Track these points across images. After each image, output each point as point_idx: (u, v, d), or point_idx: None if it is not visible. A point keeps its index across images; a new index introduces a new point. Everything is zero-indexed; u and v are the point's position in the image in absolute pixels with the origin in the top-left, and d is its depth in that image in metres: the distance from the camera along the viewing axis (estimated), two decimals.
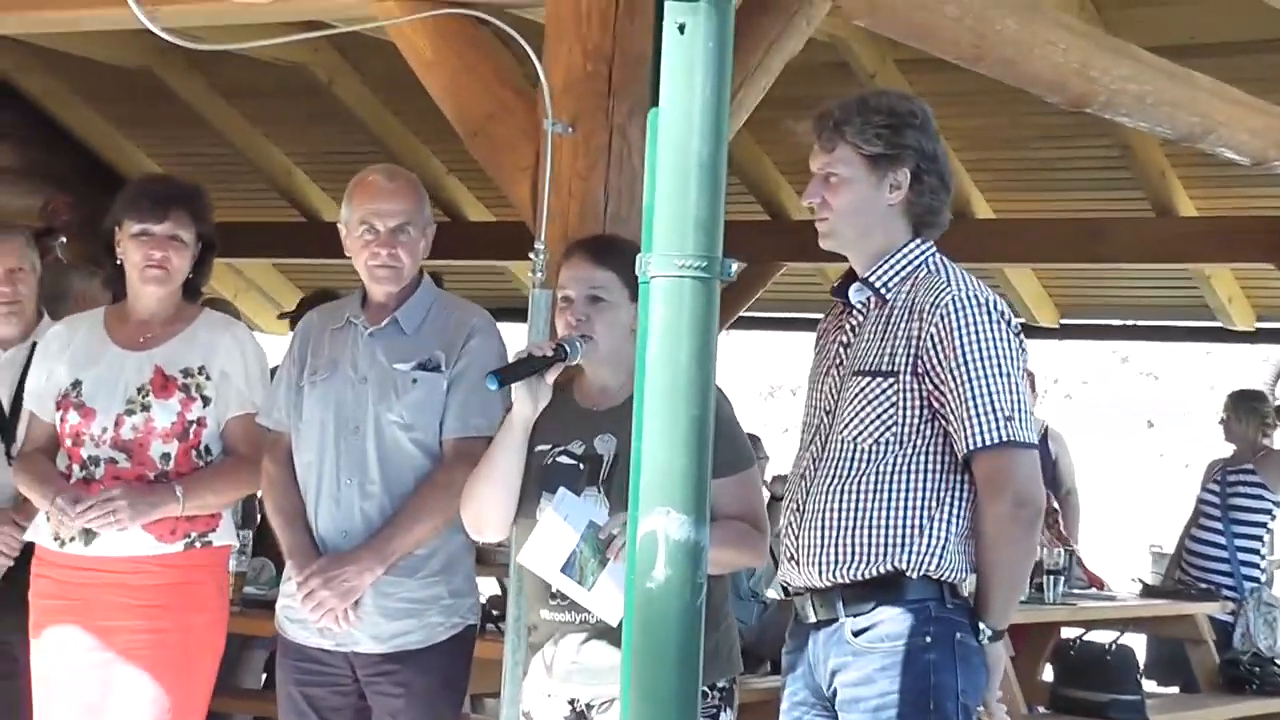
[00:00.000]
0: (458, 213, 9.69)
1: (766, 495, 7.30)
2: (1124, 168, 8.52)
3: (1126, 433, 17.41)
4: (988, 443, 3.50)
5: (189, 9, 4.39)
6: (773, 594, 6.80)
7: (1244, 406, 8.31)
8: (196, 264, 4.55)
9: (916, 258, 3.64)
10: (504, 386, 3.85)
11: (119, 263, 4.53)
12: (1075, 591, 7.47)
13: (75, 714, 4.41)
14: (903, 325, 3.57)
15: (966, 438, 3.51)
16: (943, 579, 3.56)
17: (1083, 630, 7.82)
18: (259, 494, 4.64)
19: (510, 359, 3.94)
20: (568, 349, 3.82)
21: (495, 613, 5.17)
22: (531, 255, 4.15)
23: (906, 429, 3.55)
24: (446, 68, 4.41)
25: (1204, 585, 8.01)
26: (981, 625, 3.58)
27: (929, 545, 3.54)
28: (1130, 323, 10.40)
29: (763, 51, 4.47)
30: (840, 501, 3.58)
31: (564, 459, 3.88)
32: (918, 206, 3.65)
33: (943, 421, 3.55)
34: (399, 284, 4.28)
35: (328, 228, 9.69)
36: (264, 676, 6.91)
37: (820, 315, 11.08)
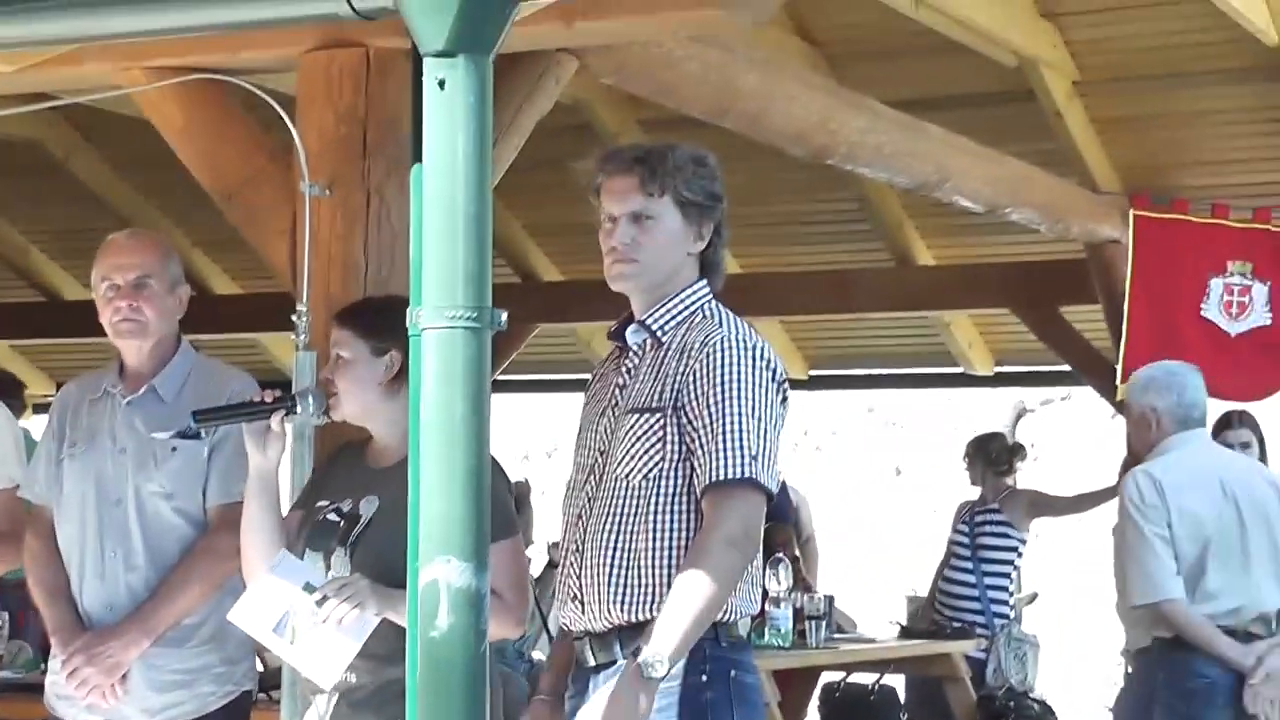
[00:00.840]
0: (204, 286, 9.57)
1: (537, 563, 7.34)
2: (864, 219, 8.76)
3: (875, 481, 17.80)
4: (727, 477, 3.51)
5: None
6: (539, 654, 6.83)
7: (982, 450, 8.58)
8: None
9: (694, 302, 3.69)
10: (200, 425, 3.86)
11: None
12: (836, 636, 7.62)
13: None
14: (673, 364, 3.62)
15: (709, 471, 3.52)
16: (716, 620, 3.59)
17: (845, 673, 7.98)
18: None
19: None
20: (297, 401, 3.84)
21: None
22: (294, 318, 4.14)
23: (670, 465, 3.59)
24: (200, 134, 4.39)
25: (957, 624, 8.22)
26: (646, 651, 3.41)
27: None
28: (877, 372, 10.66)
29: (514, 111, 4.53)
30: (615, 540, 3.61)
31: (332, 516, 3.90)
32: (711, 253, 3.72)
33: (692, 458, 3.58)
34: (144, 339, 4.23)
35: (70, 306, 9.64)
36: None
37: (573, 376, 11.08)
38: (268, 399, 3.83)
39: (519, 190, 7.42)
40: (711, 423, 3.54)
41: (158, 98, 4.36)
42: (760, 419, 3.56)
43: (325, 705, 3.84)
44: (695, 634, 3.47)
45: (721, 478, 3.52)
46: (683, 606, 3.45)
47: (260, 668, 4.46)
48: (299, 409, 3.84)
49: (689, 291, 3.70)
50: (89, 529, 4.17)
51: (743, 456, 3.52)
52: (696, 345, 3.61)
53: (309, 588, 3.74)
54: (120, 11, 3.05)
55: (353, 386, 3.89)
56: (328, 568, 3.83)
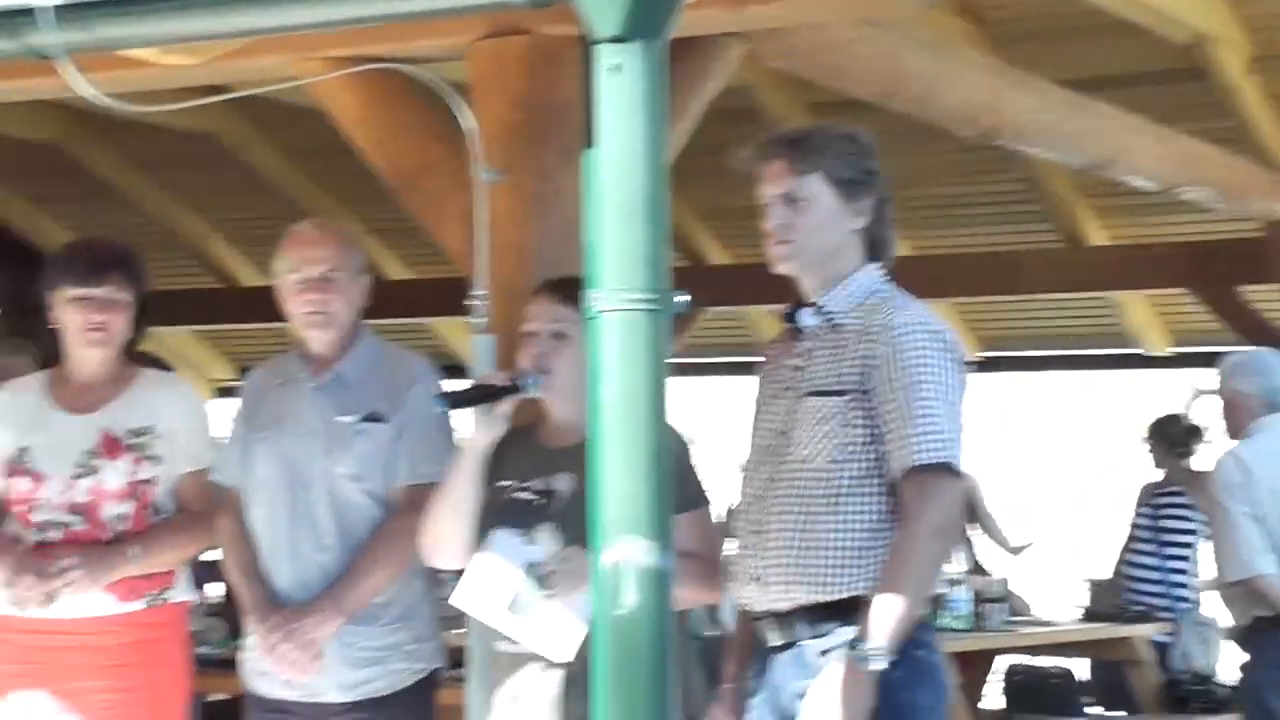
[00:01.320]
0: (377, 272, 9.71)
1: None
2: (1032, 200, 8.67)
3: (1047, 462, 17.58)
4: (921, 462, 3.54)
5: (115, 75, 4.41)
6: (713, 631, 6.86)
7: (1163, 432, 8.46)
8: (134, 325, 4.56)
9: (870, 283, 3.71)
10: (450, 409, 3.91)
11: (51, 329, 4.54)
12: (1015, 619, 7.58)
13: None
14: (853, 347, 3.63)
15: (904, 455, 3.55)
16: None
17: (1026, 656, 7.93)
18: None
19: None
20: (521, 382, 3.88)
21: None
22: (471, 302, 4.20)
23: (856, 449, 3.60)
24: (375, 123, 4.47)
25: (1139, 607, 8.13)
26: (859, 641, 3.48)
27: (879, 567, 3.58)
28: (1048, 353, 10.55)
29: (683, 96, 4.56)
30: (797, 522, 3.62)
31: (522, 495, 3.93)
32: (873, 234, 3.72)
33: (880, 442, 3.60)
34: (331, 330, 4.32)
35: (248, 293, 9.84)
36: None
37: (742, 359, 11.10)
38: (502, 382, 3.88)
39: (686, 175, 7.40)
40: (902, 407, 3.56)
41: (334, 88, 4.44)
42: (950, 402, 3.59)
43: (530, 682, 3.88)
44: (908, 623, 3.52)
45: (918, 463, 3.54)
46: (895, 597, 3.49)
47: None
48: (523, 389, 3.88)
49: (864, 273, 3.71)
50: (279, 511, 4.27)
51: (937, 440, 3.55)
52: (879, 328, 3.62)
53: (531, 566, 3.79)
54: (301, 3, 3.11)
55: (571, 366, 3.86)
56: (529, 543, 3.87)
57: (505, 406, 3.90)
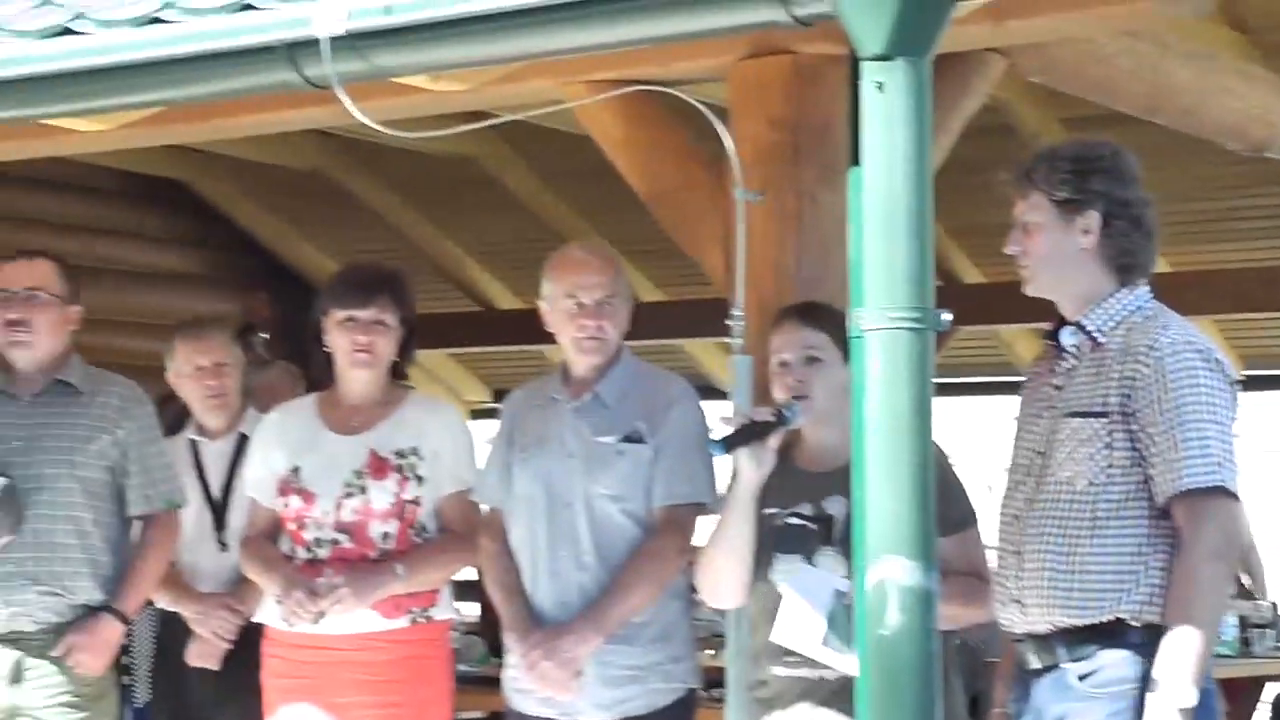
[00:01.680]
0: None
1: None
2: None
3: None
4: (1197, 486, 3.46)
5: (383, 103, 4.53)
6: None
7: None
8: (401, 347, 4.67)
9: (1132, 303, 3.64)
10: (730, 452, 3.94)
11: (326, 351, 4.66)
12: None
13: None
14: (1116, 367, 3.57)
15: (1175, 479, 3.47)
16: (1162, 624, 3.52)
17: None
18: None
19: (730, 427, 4.01)
20: (787, 413, 3.91)
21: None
22: (729, 322, 4.21)
23: (1117, 471, 3.54)
24: (637, 145, 4.51)
25: None
26: (1166, 686, 3.41)
27: (1146, 591, 3.51)
28: None
29: (943, 112, 4.51)
30: (1059, 545, 3.57)
31: (793, 520, 3.95)
32: (1111, 249, 3.65)
33: (1146, 465, 3.53)
34: (605, 356, 4.38)
35: (504, 316, 9.98)
36: None
37: (995, 379, 10.89)
38: (769, 416, 3.91)
39: (939, 192, 7.37)
40: (1171, 429, 3.48)
41: (597, 110, 4.49)
42: (1220, 422, 3.50)
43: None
44: (1207, 653, 3.45)
45: (1191, 486, 3.46)
46: (1190, 631, 3.42)
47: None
48: (788, 420, 3.91)
49: (1124, 293, 3.65)
50: (540, 531, 4.33)
51: (1209, 463, 3.47)
52: (1143, 348, 3.55)
53: (837, 594, 3.81)
54: (569, 28, 3.17)
55: (828, 391, 3.92)
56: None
57: (774, 441, 3.92)
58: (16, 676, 4.66)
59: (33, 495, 4.67)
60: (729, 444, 3.93)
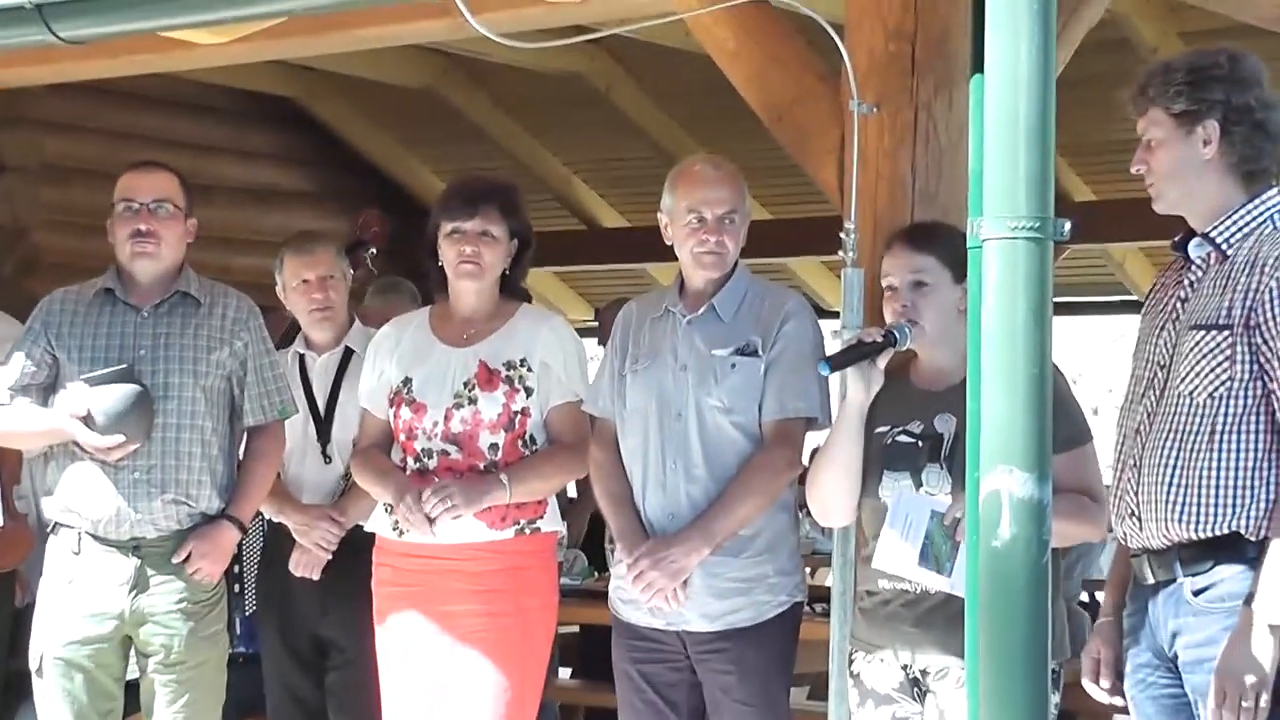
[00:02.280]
0: None
1: None
2: None
3: None
4: None
5: (495, 16, 4.52)
6: None
7: None
8: (514, 261, 4.68)
9: (1261, 214, 3.58)
10: (836, 371, 3.95)
11: (440, 265, 4.68)
12: None
13: (421, 694, 4.58)
14: (1242, 279, 3.52)
15: None
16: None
17: None
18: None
19: (839, 345, 4.01)
20: (896, 335, 3.91)
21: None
22: (842, 235, 4.19)
23: (1240, 384, 3.50)
24: (750, 57, 4.48)
25: None
26: (1260, 598, 3.38)
27: (1265, 505, 3.47)
28: None
29: (1063, 22, 4.44)
30: (1177, 458, 3.54)
31: (903, 438, 3.96)
32: (1234, 157, 3.59)
33: (1268, 379, 3.48)
34: (723, 270, 4.38)
35: (608, 234, 9.97)
36: None
37: (1106, 298, 10.73)
38: (877, 337, 3.90)
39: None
40: None
41: (710, 22, 4.46)
42: None
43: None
44: None
45: None
46: None
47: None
48: (898, 341, 3.91)
49: (1255, 203, 3.59)
50: (651, 441, 4.34)
51: None
52: (1270, 260, 3.50)
53: (935, 514, 3.82)
54: None
55: (938, 314, 3.93)
56: (917, 485, 3.89)
57: (882, 361, 3.93)
58: (139, 583, 4.73)
59: (160, 404, 4.73)
60: (834, 363, 3.95)
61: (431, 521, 4.51)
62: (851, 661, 4.05)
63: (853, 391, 3.96)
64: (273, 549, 5.40)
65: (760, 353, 4.30)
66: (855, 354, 3.93)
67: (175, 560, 4.75)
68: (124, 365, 4.72)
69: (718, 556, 4.27)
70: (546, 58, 8.08)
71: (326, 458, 5.34)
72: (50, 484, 4.84)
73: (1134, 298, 9.46)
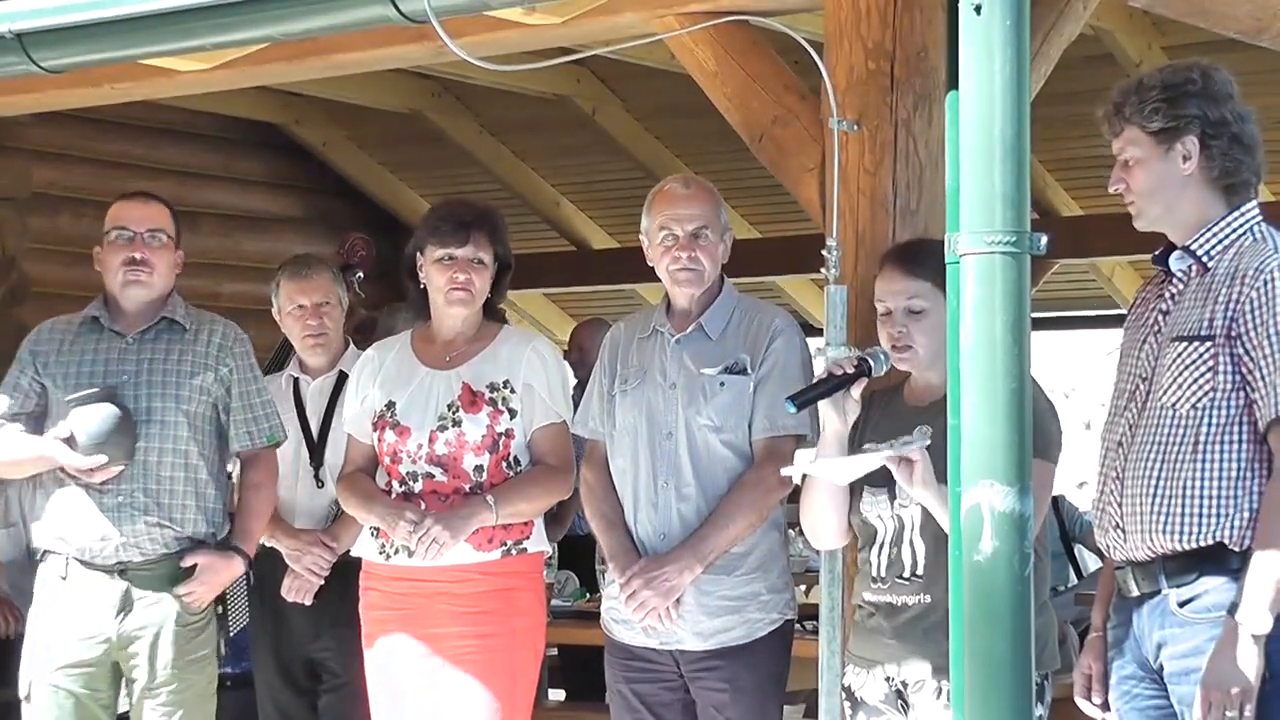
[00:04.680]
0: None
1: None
2: None
3: None
4: None
5: (476, 40, 4.54)
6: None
7: None
8: (494, 284, 4.70)
9: (1240, 225, 3.61)
10: (801, 409, 3.94)
11: (422, 288, 4.69)
12: None
13: (411, 717, 4.56)
14: (1223, 291, 3.54)
15: (1275, 404, 3.44)
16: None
17: None
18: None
19: (812, 378, 4.02)
20: (870, 363, 3.88)
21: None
22: (824, 253, 4.21)
23: (1222, 395, 3.51)
24: (730, 77, 4.50)
25: None
26: (1244, 608, 3.39)
27: (1248, 516, 3.48)
28: None
29: (1041, 38, 4.47)
30: (1161, 470, 3.55)
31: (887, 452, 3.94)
32: (1214, 171, 3.61)
33: (1250, 389, 3.50)
34: (699, 287, 4.39)
35: (597, 256, 10.00)
36: None
37: (1093, 312, 10.74)
38: (848, 369, 3.87)
39: (1037, 123, 7.29)
40: (1273, 353, 3.45)
41: (690, 43, 4.48)
42: None
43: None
44: None
45: None
46: (1274, 556, 3.39)
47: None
48: (873, 370, 3.88)
49: (1233, 216, 3.61)
50: (641, 461, 4.36)
51: None
52: (1250, 272, 3.52)
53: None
54: None
55: (931, 338, 3.87)
56: (892, 500, 3.89)
57: (856, 390, 3.89)
58: (126, 606, 4.74)
59: (143, 428, 4.74)
60: (799, 403, 3.89)
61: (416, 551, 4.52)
62: (845, 675, 4.06)
63: (828, 423, 3.93)
64: (264, 573, 5.41)
65: (749, 371, 4.32)
66: (823, 389, 3.90)
67: (183, 565, 4.76)
68: (107, 385, 4.73)
69: (710, 575, 4.28)
70: (533, 81, 8.11)
71: (319, 482, 5.36)
72: (39, 511, 4.85)
73: (1123, 311, 9.48)
